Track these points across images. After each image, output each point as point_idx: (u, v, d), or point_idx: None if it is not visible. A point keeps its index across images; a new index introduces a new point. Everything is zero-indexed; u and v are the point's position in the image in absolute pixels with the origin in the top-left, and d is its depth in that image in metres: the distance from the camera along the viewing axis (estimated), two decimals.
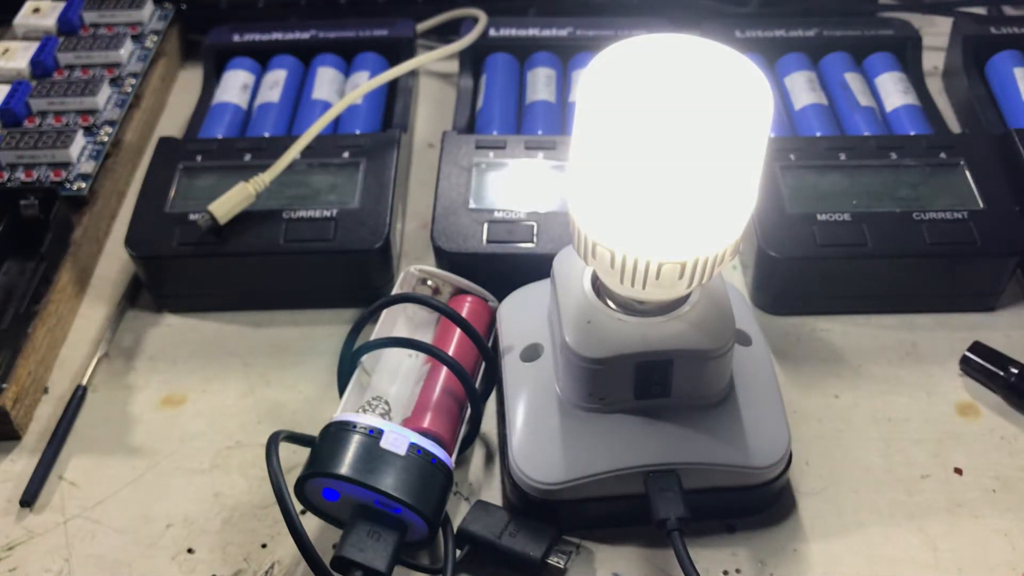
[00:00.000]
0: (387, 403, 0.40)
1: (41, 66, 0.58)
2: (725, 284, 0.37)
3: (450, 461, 0.37)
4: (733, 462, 0.36)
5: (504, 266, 0.46)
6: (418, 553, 0.38)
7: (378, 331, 0.42)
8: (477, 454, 0.42)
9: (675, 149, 0.29)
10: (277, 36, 0.60)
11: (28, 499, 0.41)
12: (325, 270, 0.48)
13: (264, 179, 0.48)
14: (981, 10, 0.63)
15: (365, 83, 0.55)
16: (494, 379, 0.42)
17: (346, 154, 0.50)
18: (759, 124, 0.30)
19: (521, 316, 0.42)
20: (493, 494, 0.40)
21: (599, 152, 0.31)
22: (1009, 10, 0.64)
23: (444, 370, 0.40)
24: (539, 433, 0.37)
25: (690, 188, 0.30)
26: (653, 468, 0.36)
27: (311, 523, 0.39)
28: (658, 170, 0.30)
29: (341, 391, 0.40)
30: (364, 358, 0.41)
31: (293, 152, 0.49)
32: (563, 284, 0.36)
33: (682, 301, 0.35)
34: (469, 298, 0.44)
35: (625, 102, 0.30)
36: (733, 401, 0.37)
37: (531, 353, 0.40)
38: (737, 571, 0.38)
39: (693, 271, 0.32)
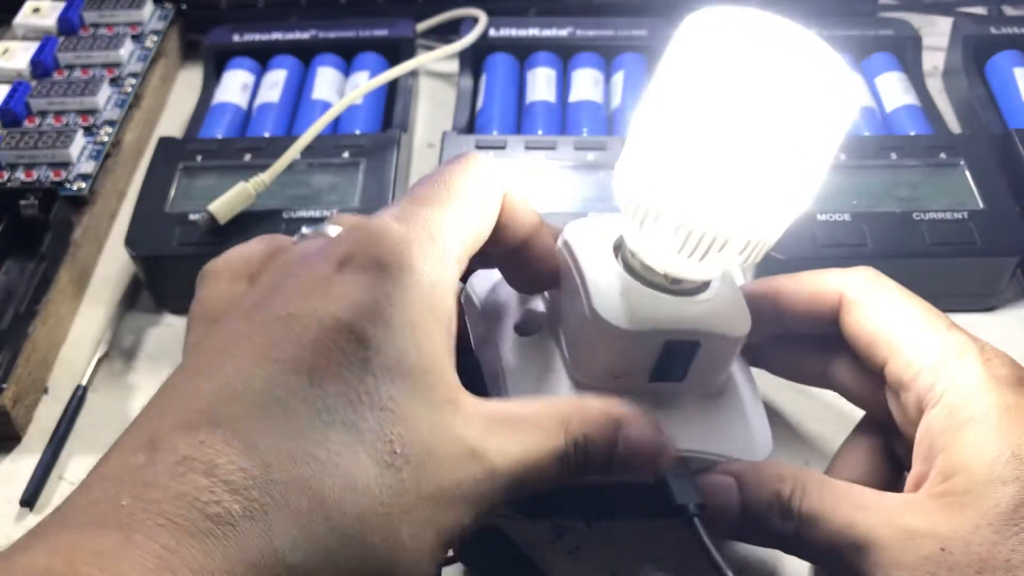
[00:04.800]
0: None
1: (41, 66, 0.58)
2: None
3: None
4: (738, 454, 0.35)
5: None
6: None
7: None
8: None
9: (777, 127, 0.29)
10: (277, 36, 0.60)
11: (28, 499, 0.41)
12: None
13: (264, 179, 0.48)
14: (981, 10, 0.64)
15: (365, 83, 0.55)
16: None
17: (346, 154, 0.50)
18: (849, 117, 0.30)
19: (499, 293, 0.39)
20: None
21: (697, 117, 0.30)
22: (1009, 10, 0.64)
23: None
24: None
25: (780, 167, 0.30)
26: None
27: None
28: (758, 144, 0.29)
29: None
30: None
31: (293, 152, 0.49)
32: (584, 255, 0.35)
33: (703, 288, 0.35)
34: None
35: (747, 65, 0.29)
36: (731, 394, 0.37)
37: (528, 326, 0.38)
38: (738, 571, 0.38)
39: (754, 248, 0.31)
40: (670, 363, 0.35)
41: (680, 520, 0.33)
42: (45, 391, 0.46)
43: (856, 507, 0.29)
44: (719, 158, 0.30)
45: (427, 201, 0.29)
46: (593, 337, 0.34)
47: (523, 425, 0.28)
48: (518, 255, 0.33)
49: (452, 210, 0.29)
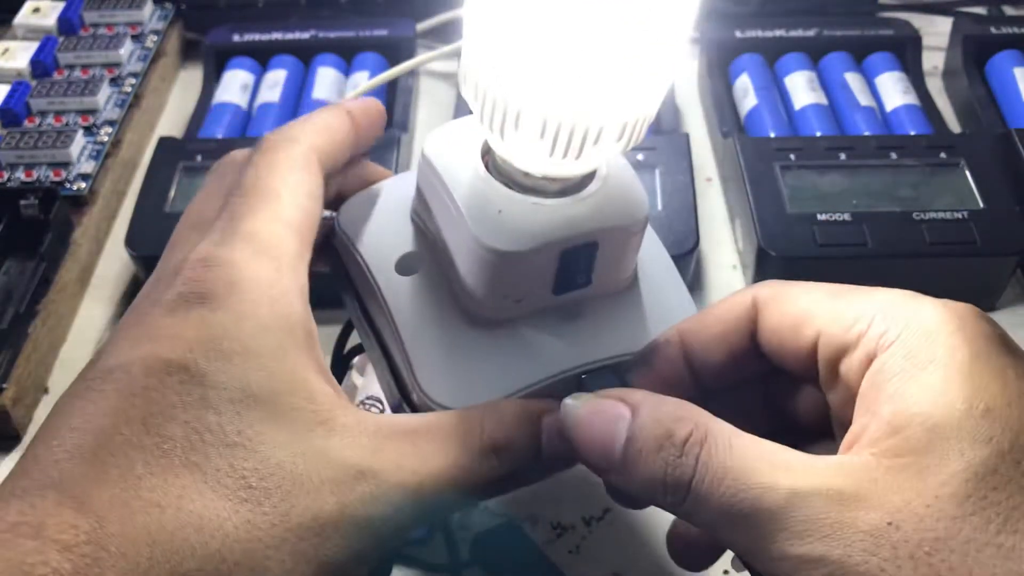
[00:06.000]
0: (380, 402, 0.40)
1: (41, 66, 0.58)
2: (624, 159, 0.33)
3: None
4: None
5: None
6: (421, 551, 0.38)
7: None
8: None
9: None
10: (277, 36, 0.60)
11: None
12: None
13: None
14: (981, 10, 0.63)
15: (365, 83, 0.55)
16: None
17: None
18: None
19: (373, 226, 0.34)
20: None
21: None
22: (1009, 10, 0.64)
23: None
24: (449, 353, 0.31)
25: (635, 34, 0.26)
26: (588, 368, 0.31)
27: None
28: (608, 13, 0.25)
29: None
30: (356, 359, 0.41)
31: None
32: (449, 174, 0.30)
33: (589, 180, 0.31)
34: None
35: None
36: (643, 281, 0.34)
37: (408, 265, 0.33)
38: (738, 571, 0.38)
39: (632, 131, 0.28)
40: (572, 272, 0.31)
41: None
42: (45, 391, 0.46)
43: (778, 466, 0.23)
44: (569, 39, 0.25)
45: (243, 214, 0.27)
46: (483, 265, 0.30)
47: (423, 437, 0.27)
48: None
49: (272, 213, 0.28)
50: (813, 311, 0.27)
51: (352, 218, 0.34)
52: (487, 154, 0.30)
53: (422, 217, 0.33)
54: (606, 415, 0.26)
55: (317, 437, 0.25)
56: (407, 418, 0.27)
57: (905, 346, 0.24)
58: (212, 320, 0.25)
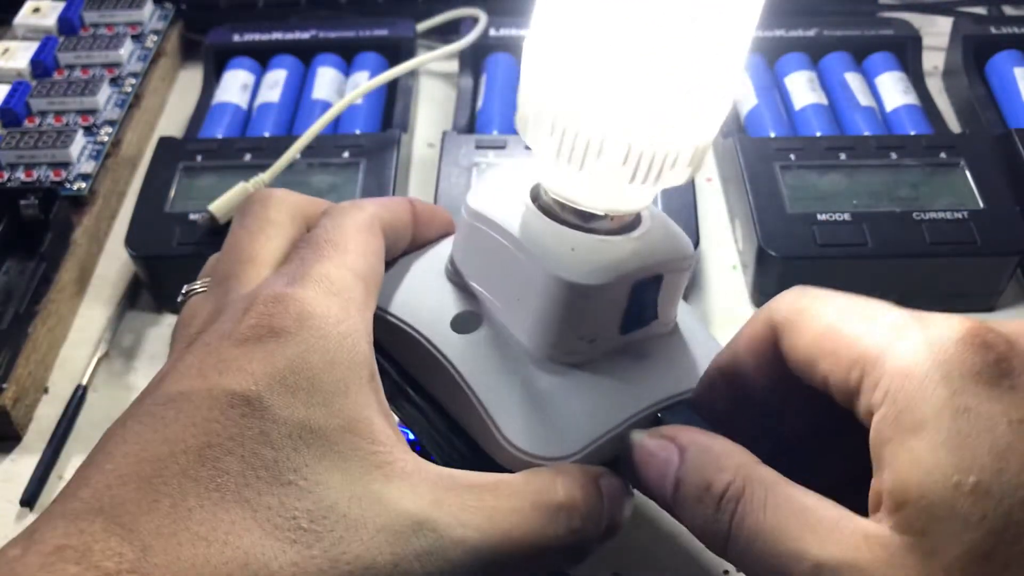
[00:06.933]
0: None
1: (41, 66, 0.58)
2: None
3: None
4: None
5: None
6: None
7: None
8: None
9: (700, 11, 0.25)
10: (277, 36, 0.61)
11: (28, 499, 0.41)
12: None
13: (264, 179, 0.48)
14: (981, 10, 0.63)
15: (365, 83, 0.55)
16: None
17: (346, 154, 0.50)
18: None
19: (412, 296, 0.34)
20: None
21: (620, 28, 0.26)
22: (1009, 10, 0.64)
23: None
24: (530, 404, 0.31)
25: (710, 57, 0.26)
26: (662, 404, 0.32)
27: None
28: (689, 37, 0.26)
29: None
30: None
31: (293, 152, 0.49)
32: (508, 223, 0.31)
33: (638, 221, 0.32)
34: None
35: None
36: (682, 319, 0.34)
37: (464, 323, 0.33)
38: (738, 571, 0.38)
39: (702, 154, 0.29)
40: (640, 307, 0.32)
41: None
42: (45, 391, 0.46)
43: (808, 529, 0.24)
44: (655, 64, 0.26)
45: (314, 260, 0.28)
46: (559, 304, 0.30)
47: (491, 492, 0.26)
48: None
49: (340, 261, 0.28)
50: (817, 352, 0.26)
51: (385, 295, 0.34)
52: (537, 199, 0.31)
53: (464, 275, 0.33)
54: (658, 459, 0.27)
55: (375, 481, 0.25)
56: (470, 473, 0.27)
57: (894, 406, 0.24)
58: (280, 354, 0.25)
